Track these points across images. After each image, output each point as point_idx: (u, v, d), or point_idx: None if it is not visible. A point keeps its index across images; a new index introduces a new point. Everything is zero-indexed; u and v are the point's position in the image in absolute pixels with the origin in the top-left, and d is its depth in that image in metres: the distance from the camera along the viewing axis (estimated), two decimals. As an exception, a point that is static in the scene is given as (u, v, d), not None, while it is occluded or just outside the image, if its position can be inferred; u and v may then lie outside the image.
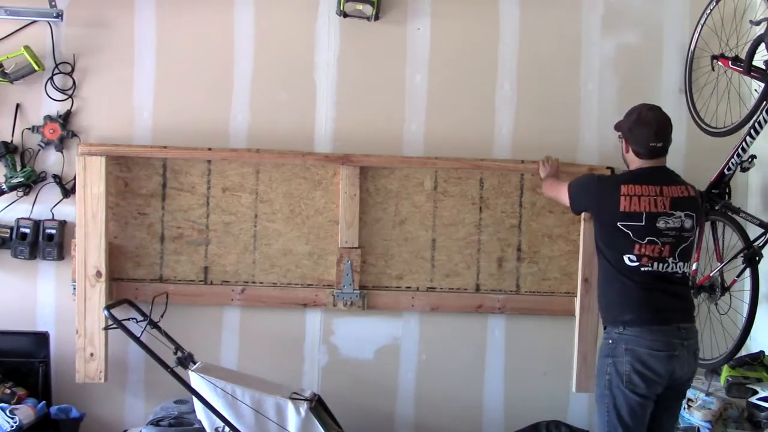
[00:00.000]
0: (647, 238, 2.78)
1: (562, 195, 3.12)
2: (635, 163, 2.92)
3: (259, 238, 3.73)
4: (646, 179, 2.84)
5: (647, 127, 2.86)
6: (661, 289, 2.79)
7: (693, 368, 2.86)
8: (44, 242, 3.61)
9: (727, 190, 3.49)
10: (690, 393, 3.33)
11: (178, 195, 3.69)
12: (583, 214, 3.48)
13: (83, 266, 3.49)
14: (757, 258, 3.14)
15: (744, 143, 3.29)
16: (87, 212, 3.49)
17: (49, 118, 3.67)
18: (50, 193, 3.69)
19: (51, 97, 3.70)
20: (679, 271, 2.82)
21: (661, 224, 2.79)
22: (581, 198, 3.03)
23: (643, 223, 2.78)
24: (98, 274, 3.48)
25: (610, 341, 2.81)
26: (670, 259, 2.79)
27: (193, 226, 3.71)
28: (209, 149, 3.62)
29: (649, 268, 2.78)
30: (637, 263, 2.79)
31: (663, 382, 2.76)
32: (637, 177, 2.87)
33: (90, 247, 3.49)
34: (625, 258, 2.80)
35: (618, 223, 2.80)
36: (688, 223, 2.83)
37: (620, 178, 2.96)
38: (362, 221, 3.72)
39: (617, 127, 3.03)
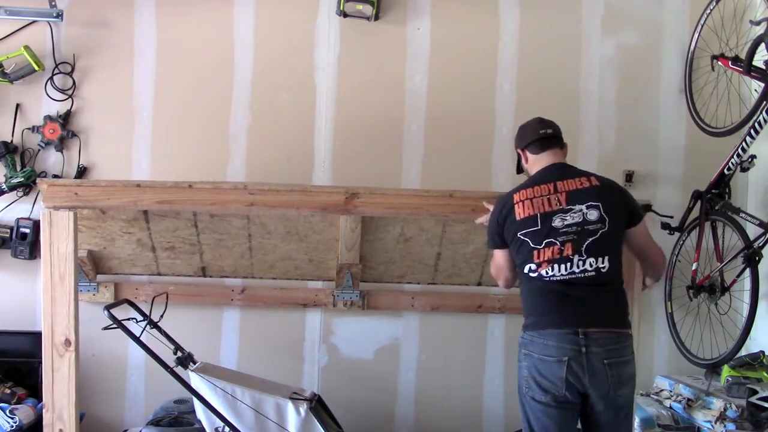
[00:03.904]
0: (545, 242, 2.63)
1: (493, 256, 2.90)
2: (534, 166, 2.83)
3: (255, 249, 3.60)
4: (538, 181, 2.74)
5: (531, 123, 2.90)
6: (562, 291, 2.61)
7: (611, 380, 2.55)
8: (44, 242, 3.61)
9: (727, 190, 3.48)
10: (690, 393, 3.33)
11: (163, 220, 3.42)
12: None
13: (50, 333, 3.03)
14: (757, 258, 3.14)
15: (744, 143, 3.28)
16: (54, 274, 3.01)
17: (49, 118, 3.67)
18: (50, 193, 3.69)
19: (51, 97, 3.70)
20: (590, 268, 2.61)
21: (557, 223, 2.64)
22: (492, 228, 2.82)
23: (539, 227, 2.65)
24: (67, 342, 3.03)
25: (518, 345, 2.72)
26: (576, 257, 2.61)
27: (184, 242, 3.53)
28: (189, 186, 3.04)
29: (550, 272, 2.62)
30: (536, 272, 2.64)
31: (561, 391, 2.55)
32: (530, 182, 2.77)
33: (58, 313, 3.03)
34: (526, 268, 2.67)
35: (518, 234, 2.68)
36: (593, 215, 2.64)
37: (513, 190, 2.80)
38: (364, 239, 3.54)
39: (518, 154, 2.93)
